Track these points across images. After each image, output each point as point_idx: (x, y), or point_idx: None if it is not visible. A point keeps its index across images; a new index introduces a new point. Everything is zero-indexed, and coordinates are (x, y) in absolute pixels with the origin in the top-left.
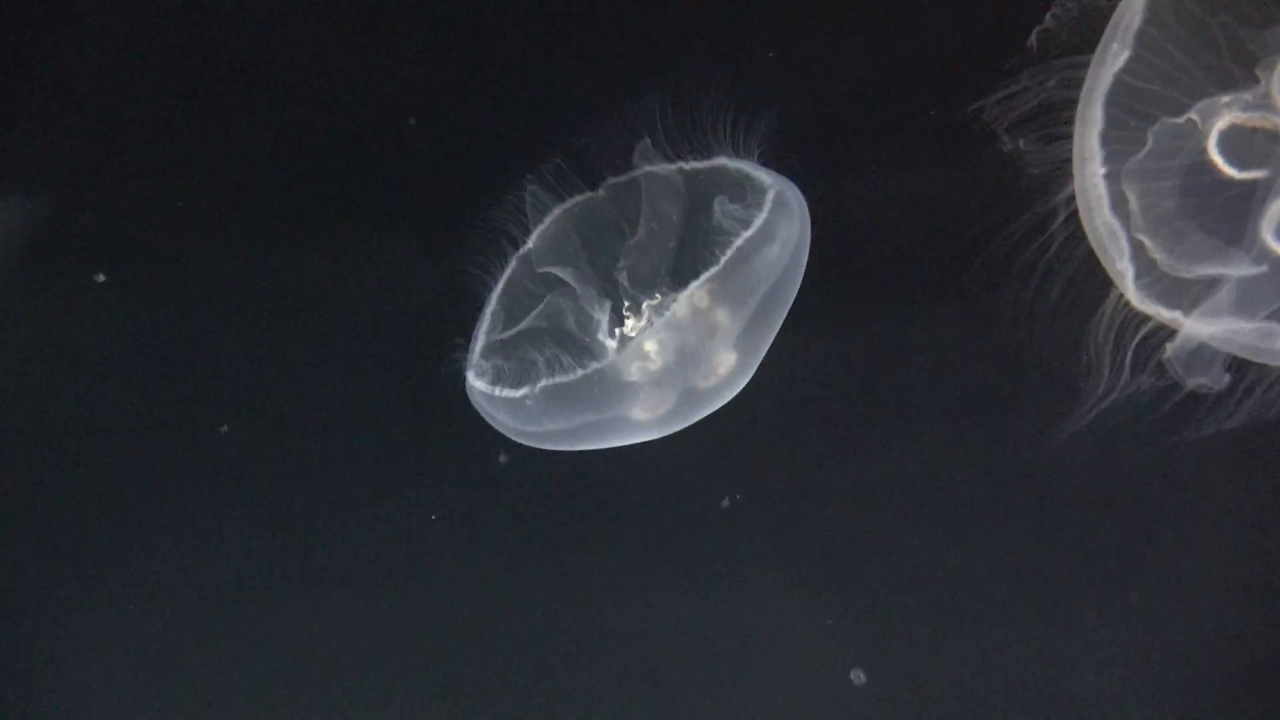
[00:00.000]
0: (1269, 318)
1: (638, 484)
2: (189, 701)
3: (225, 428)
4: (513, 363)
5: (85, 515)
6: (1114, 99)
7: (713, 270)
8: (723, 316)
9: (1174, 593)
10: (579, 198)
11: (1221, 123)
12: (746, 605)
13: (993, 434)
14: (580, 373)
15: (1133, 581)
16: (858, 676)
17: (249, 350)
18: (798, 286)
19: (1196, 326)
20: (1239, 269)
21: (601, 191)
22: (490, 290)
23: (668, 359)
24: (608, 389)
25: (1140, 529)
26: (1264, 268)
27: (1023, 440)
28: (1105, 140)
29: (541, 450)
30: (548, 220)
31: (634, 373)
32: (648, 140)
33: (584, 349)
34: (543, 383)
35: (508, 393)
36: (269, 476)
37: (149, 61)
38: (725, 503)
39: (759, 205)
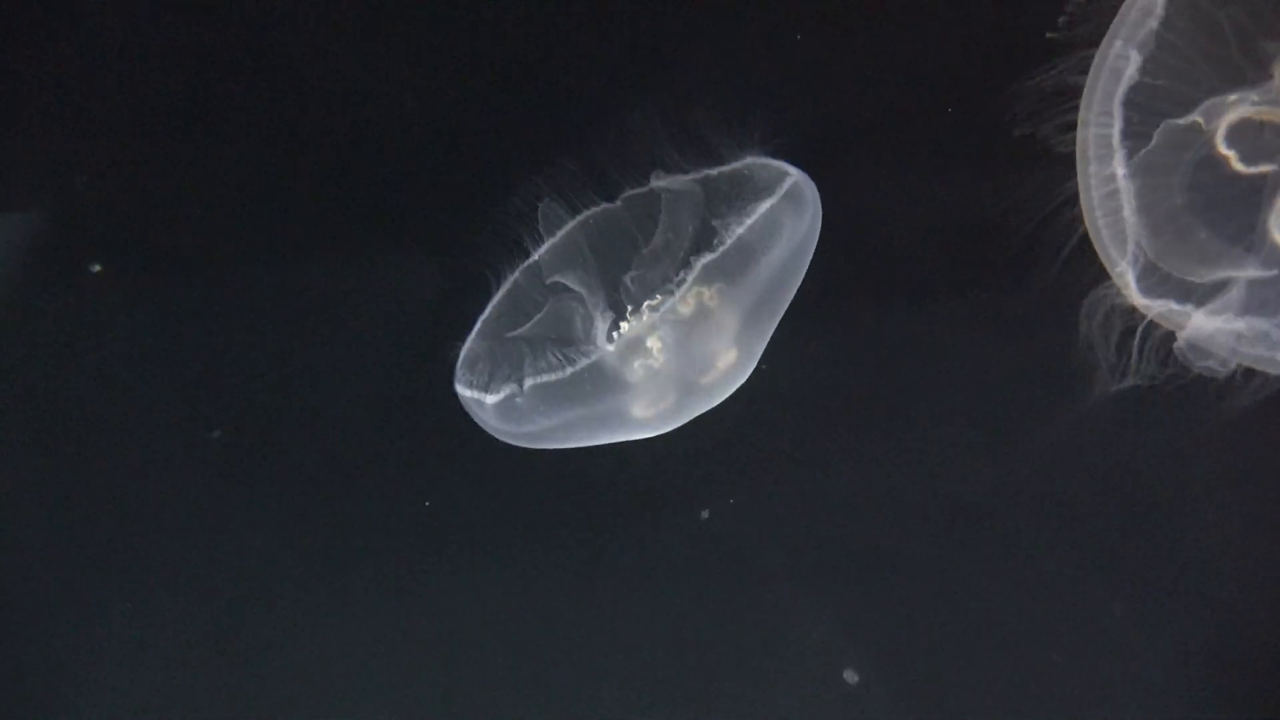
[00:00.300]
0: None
1: (635, 482)
2: (188, 704)
3: (216, 433)
4: (505, 367)
5: (74, 517)
6: (1124, 96)
7: (710, 257)
8: (723, 309)
9: (1178, 592)
10: (594, 210)
11: (1231, 117)
12: (743, 604)
13: (995, 432)
14: (570, 370)
15: (1135, 580)
16: (851, 676)
17: (244, 352)
18: (799, 281)
19: (1202, 325)
20: (1247, 271)
21: (619, 203)
22: (492, 297)
23: (668, 354)
24: (602, 385)
25: (1145, 525)
26: (1274, 271)
27: (1027, 438)
28: (1124, 138)
29: (539, 451)
30: (559, 234)
31: (636, 370)
32: (661, 171)
33: (580, 349)
34: (530, 381)
35: (493, 397)
36: (263, 479)
37: (149, 60)
38: (705, 514)
39: (766, 197)
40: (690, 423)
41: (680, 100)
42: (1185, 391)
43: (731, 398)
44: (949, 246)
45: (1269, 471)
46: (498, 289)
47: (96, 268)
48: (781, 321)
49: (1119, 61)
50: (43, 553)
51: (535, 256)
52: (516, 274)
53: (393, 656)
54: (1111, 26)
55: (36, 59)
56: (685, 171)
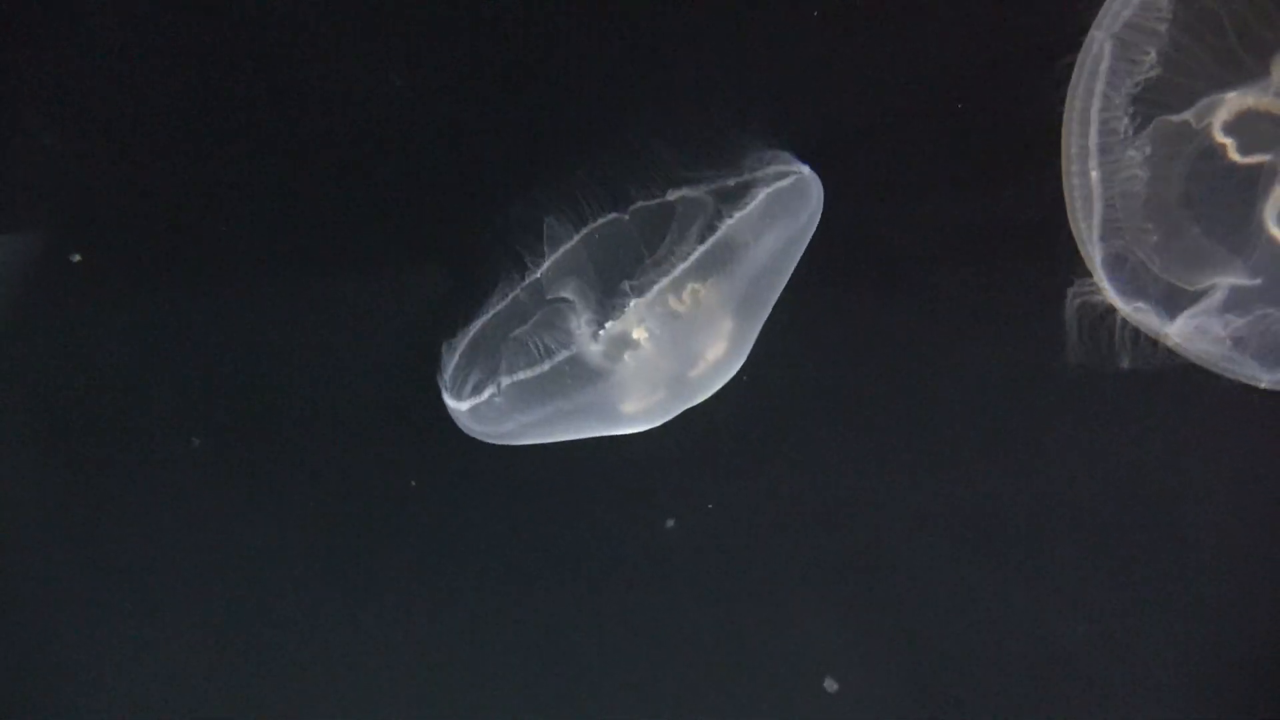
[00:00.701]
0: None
1: (624, 483)
2: (187, 705)
3: (196, 441)
4: (485, 369)
5: (74, 518)
6: (1111, 88)
7: (701, 249)
8: (712, 301)
9: (1179, 593)
10: (600, 222)
11: (1229, 108)
12: (724, 609)
13: (992, 434)
14: (549, 363)
15: (1134, 580)
16: (831, 685)
17: (241, 354)
18: (789, 273)
19: (1181, 329)
20: (1234, 276)
21: (627, 216)
22: (487, 308)
23: (656, 347)
24: (586, 378)
25: (1144, 525)
26: (1258, 280)
27: (1025, 440)
28: (1105, 135)
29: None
30: (562, 250)
31: (623, 363)
32: (676, 184)
33: (561, 340)
34: (507, 380)
35: (469, 402)
36: (260, 481)
37: (147, 60)
38: (670, 523)
39: (763, 188)
40: (681, 424)
41: (690, 103)
42: (1184, 390)
43: (724, 399)
44: (952, 246)
45: (1269, 471)
46: (495, 302)
47: (76, 257)
48: (779, 322)
49: (1099, 52)
50: (42, 553)
51: (538, 274)
52: (517, 290)
53: (382, 657)
54: (1097, 17)
55: (36, 61)
56: (700, 181)
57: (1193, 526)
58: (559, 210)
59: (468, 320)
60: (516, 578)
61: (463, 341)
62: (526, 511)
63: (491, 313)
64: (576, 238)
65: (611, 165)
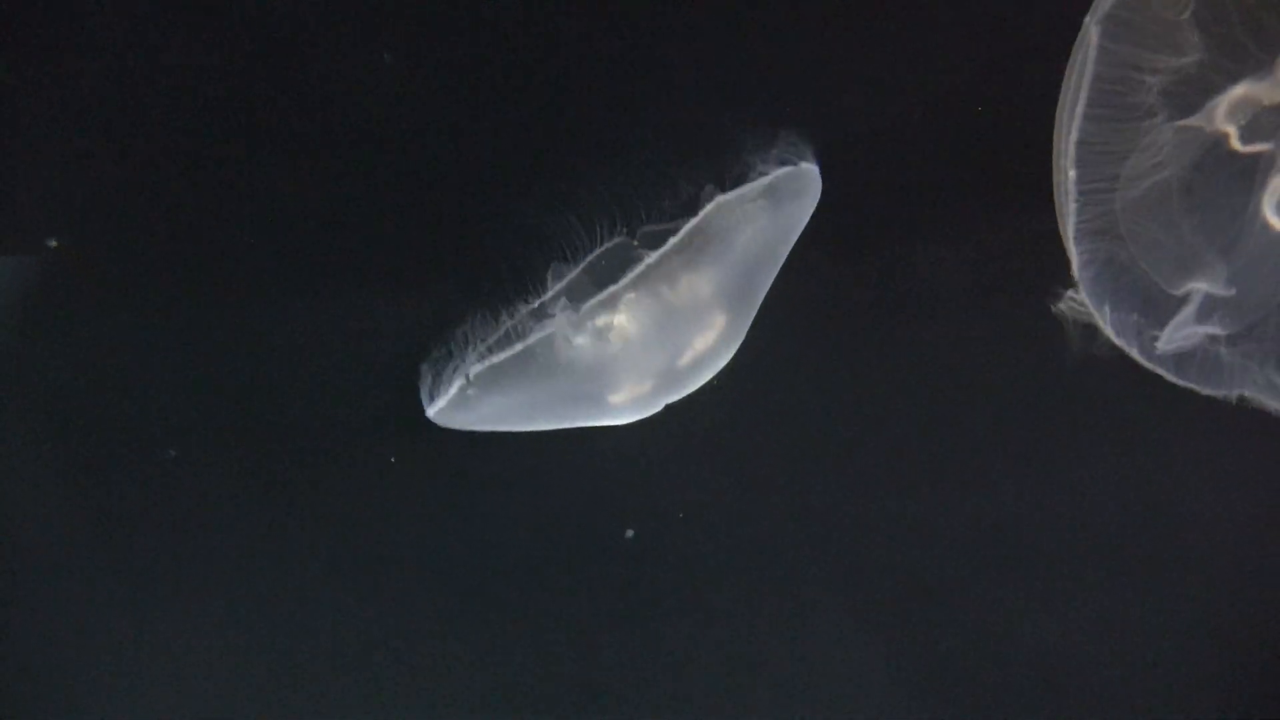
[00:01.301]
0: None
1: (605, 479)
2: (185, 705)
3: (173, 452)
4: (456, 362)
5: (75, 518)
6: (1108, 85)
7: (693, 222)
8: (701, 289)
9: (1179, 594)
10: (605, 246)
11: (1233, 99)
12: (699, 624)
13: (986, 437)
14: (521, 344)
15: (1135, 581)
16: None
17: (231, 359)
18: (779, 266)
19: (1166, 338)
20: (1215, 282)
21: (635, 241)
22: (478, 338)
23: (642, 334)
24: (566, 365)
25: (1145, 527)
26: (1232, 291)
27: (1019, 444)
28: (1085, 132)
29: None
30: (565, 282)
31: (612, 348)
32: (712, 188)
33: (537, 319)
34: (477, 367)
35: (445, 398)
36: (255, 485)
37: (147, 61)
38: (630, 533)
39: (760, 175)
40: (672, 422)
41: (691, 104)
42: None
43: (718, 399)
44: (951, 246)
45: (1269, 472)
46: (490, 329)
47: (53, 243)
48: (775, 320)
49: (1088, 40)
50: (42, 554)
51: (536, 304)
52: (514, 320)
53: (381, 656)
54: (1093, 5)
55: (36, 61)
56: (706, 194)
57: (1193, 527)
58: (567, 233)
59: (462, 338)
60: (510, 576)
61: (451, 364)
62: (521, 511)
63: (486, 341)
64: (579, 267)
65: (618, 182)
